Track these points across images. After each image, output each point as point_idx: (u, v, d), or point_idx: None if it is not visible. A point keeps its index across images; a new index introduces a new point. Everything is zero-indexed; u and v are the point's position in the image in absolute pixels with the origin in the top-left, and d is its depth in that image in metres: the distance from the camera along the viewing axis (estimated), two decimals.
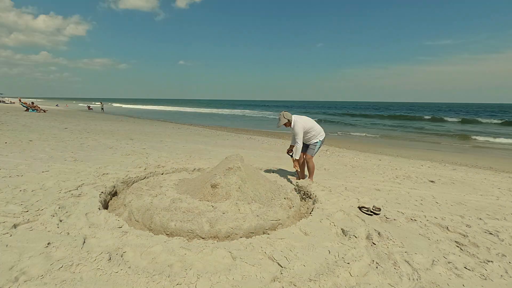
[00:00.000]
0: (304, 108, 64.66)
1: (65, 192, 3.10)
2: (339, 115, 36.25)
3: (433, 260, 2.14)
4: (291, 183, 4.15)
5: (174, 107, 55.11)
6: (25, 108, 18.87)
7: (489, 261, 2.17)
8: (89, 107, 34.80)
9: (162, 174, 4.30)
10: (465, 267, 2.07)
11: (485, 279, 1.94)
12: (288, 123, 4.07)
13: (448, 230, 2.73)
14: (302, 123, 4.08)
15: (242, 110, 46.58)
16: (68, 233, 2.22)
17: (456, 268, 2.06)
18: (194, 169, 4.67)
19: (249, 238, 2.36)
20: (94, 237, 2.21)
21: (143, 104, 69.43)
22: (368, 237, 2.48)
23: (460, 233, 2.66)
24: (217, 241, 2.35)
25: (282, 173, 4.78)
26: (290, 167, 5.26)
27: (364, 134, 15.96)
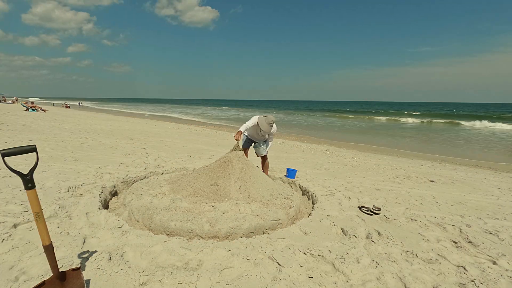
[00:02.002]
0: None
1: (65, 192, 3.10)
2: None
3: (433, 260, 2.14)
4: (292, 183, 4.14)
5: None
6: (25, 108, 18.86)
7: (489, 261, 2.17)
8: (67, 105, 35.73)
9: (162, 174, 4.30)
10: (465, 267, 2.06)
11: (485, 278, 1.94)
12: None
13: (448, 229, 2.73)
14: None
15: None
16: (68, 233, 2.22)
17: (456, 267, 2.06)
18: (194, 169, 4.67)
19: (249, 238, 2.36)
20: (94, 237, 2.21)
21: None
22: (368, 237, 2.48)
23: (460, 233, 2.66)
24: (217, 240, 2.35)
25: (282, 172, 4.78)
26: (289, 166, 5.26)
27: None
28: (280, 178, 4.40)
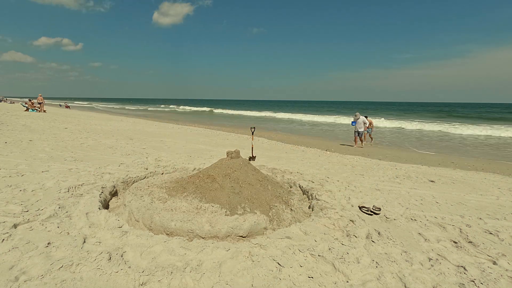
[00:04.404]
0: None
1: (65, 192, 3.10)
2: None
3: (433, 260, 2.14)
4: (294, 183, 4.14)
5: None
6: (25, 108, 18.86)
7: (489, 261, 2.17)
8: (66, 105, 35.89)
9: (162, 174, 4.30)
10: (465, 267, 2.06)
11: (485, 278, 1.94)
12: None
13: (448, 229, 2.73)
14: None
15: None
16: (68, 233, 2.22)
17: (456, 267, 2.06)
18: (194, 169, 4.67)
19: (249, 238, 2.36)
20: (94, 237, 2.21)
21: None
22: (368, 237, 2.48)
23: (460, 233, 2.66)
24: (217, 241, 2.35)
25: (282, 172, 4.78)
26: (290, 166, 5.26)
27: None
28: (281, 177, 4.40)
